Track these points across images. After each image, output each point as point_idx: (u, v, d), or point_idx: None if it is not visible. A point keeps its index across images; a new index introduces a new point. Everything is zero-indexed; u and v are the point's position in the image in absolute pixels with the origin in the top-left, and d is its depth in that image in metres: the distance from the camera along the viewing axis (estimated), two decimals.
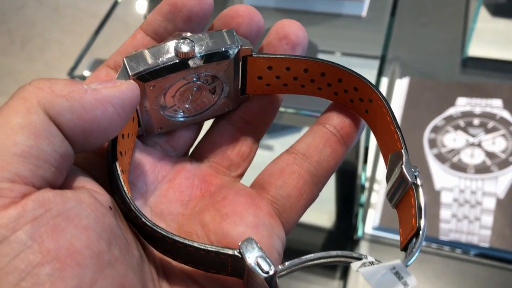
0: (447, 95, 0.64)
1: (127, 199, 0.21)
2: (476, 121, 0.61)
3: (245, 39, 0.25)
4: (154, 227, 0.20)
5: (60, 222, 0.17)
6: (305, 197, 0.25)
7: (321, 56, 0.68)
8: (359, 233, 0.56)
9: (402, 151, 0.22)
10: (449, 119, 0.62)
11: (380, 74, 0.47)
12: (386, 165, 0.24)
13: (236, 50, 0.24)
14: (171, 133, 0.27)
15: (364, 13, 0.74)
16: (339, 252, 0.20)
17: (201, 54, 0.23)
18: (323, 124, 0.26)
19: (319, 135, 0.26)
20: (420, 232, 0.21)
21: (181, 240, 0.20)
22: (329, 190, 0.59)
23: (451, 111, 0.63)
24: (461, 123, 0.61)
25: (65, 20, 1.66)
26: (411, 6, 0.75)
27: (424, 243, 0.55)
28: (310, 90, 0.26)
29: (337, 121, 0.26)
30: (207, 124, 0.29)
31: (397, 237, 0.57)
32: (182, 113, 0.26)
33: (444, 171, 0.58)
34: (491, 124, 0.60)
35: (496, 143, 0.59)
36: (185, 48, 0.23)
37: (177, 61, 0.23)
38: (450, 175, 0.57)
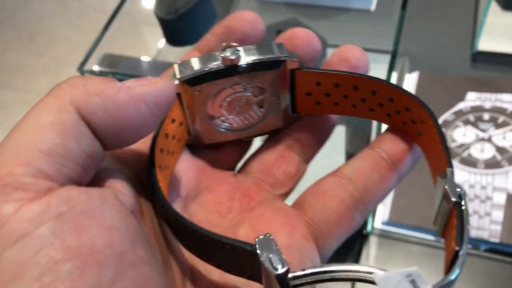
0: (457, 90, 0.64)
1: (159, 193, 0.21)
2: (486, 116, 0.61)
3: (294, 53, 0.25)
4: (176, 215, 0.20)
5: (84, 220, 0.17)
6: (345, 224, 0.24)
7: (330, 51, 0.68)
8: (369, 227, 0.56)
9: (447, 169, 0.21)
10: (459, 113, 0.62)
11: (391, 69, 0.47)
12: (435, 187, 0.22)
13: (282, 61, 0.24)
14: (220, 146, 0.27)
15: (372, 7, 0.74)
16: (366, 268, 0.19)
17: (247, 62, 0.23)
18: (373, 148, 0.25)
19: (368, 159, 0.25)
20: (459, 256, 0.18)
21: (199, 229, 0.20)
22: None
23: (460, 105, 0.62)
24: (471, 118, 0.61)
25: (71, 14, 1.66)
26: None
27: (433, 238, 0.55)
28: (363, 112, 0.25)
29: (389, 145, 0.25)
30: (257, 142, 0.29)
31: (406, 232, 0.57)
32: (229, 125, 0.26)
33: (454, 166, 0.58)
34: (501, 119, 0.60)
35: (506, 138, 0.58)
36: (231, 55, 0.23)
37: (223, 67, 0.23)
38: (460, 170, 0.57)
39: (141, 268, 0.18)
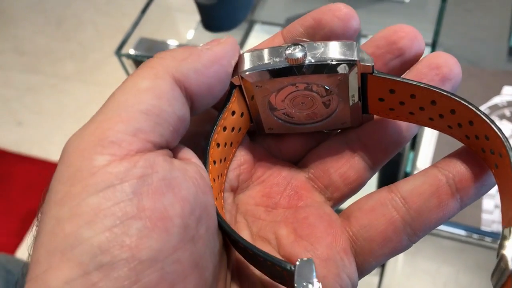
0: (493, 84, 0.62)
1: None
2: None
3: (368, 55, 0.22)
4: (222, 223, 0.21)
5: (162, 187, 0.18)
6: (390, 246, 0.22)
7: (363, 40, 0.67)
8: None
9: (511, 229, 0.18)
10: (494, 108, 0.60)
11: None
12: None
13: (350, 65, 0.22)
14: (282, 137, 0.26)
15: None
16: None
17: (311, 63, 0.22)
18: (439, 168, 0.22)
19: (429, 180, 0.22)
20: None
21: (243, 241, 0.20)
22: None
23: (496, 100, 0.61)
24: (507, 112, 0.60)
25: (99, 0, 1.67)
26: None
27: (465, 233, 0.54)
28: (440, 126, 0.23)
29: (457, 169, 0.22)
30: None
31: (434, 231, 0.57)
32: (292, 118, 0.25)
33: None
34: None
35: None
36: (295, 55, 0.22)
37: (285, 66, 0.22)
38: None
39: (198, 245, 0.19)
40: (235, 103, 0.23)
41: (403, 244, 0.22)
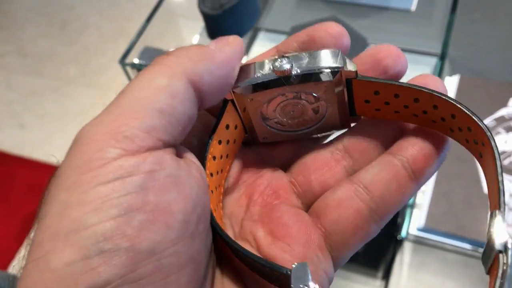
0: (499, 95, 0.62)
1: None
2: None
3: (351, 61, 0.23)
4: (220, 232, 0.22)
5: (168, 183, 0.19)
6: (360, 234, 0.24)
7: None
8: (403, 233, 0.55)
9: (496, 212, 0.20)
10: (501, 120, 0.60)
11: (440, 73, 0.46)
12: None
13: (334, 72, 0.23)
14: (275, 144, 0.27)
15: (413, 7, 0.72)
16: None
17: (298, 73, 0.23)
18: (394, 155, 0.24)
19: (387, 167, 0.24)
20: None
21: (242, 250, 0.21)
22: None
23: (503, 112, 0.60)
24: None
25: (102, 4, 1.67)
26: (462, 0, 0.73)
27: (470, 247, 0.53)
28: (424, 122, 0.24)
29: (411, 152, 0.24)
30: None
31: (442, 239, 0.56)
32: (284, 126, 0.26)
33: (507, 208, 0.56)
34: None
35: None
36: (282, 66, 0.23)
37: (274, 78, 0.23)
38: None
39: (196, 241, 0.20)
40: (229, 117, 0.24)
41: (372, 230, 0.24)
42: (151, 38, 0.55)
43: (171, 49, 0.50)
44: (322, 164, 0.26)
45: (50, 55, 1.55)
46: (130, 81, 0.21)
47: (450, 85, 0.65)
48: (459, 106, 0.22)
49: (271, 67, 0.23)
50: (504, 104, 0.61)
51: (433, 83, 0.23)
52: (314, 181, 0.26)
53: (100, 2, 1.68)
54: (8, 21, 1.68)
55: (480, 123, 0.22)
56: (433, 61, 0.67)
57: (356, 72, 0.23)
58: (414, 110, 0.24)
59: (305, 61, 0.23)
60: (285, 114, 0.25)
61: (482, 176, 0.56)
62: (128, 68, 0.49)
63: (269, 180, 0.26)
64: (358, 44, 0.60)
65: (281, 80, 0.23)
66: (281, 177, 0.26)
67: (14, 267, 0.20)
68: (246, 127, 0.26)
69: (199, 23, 0.57)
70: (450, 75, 0.66)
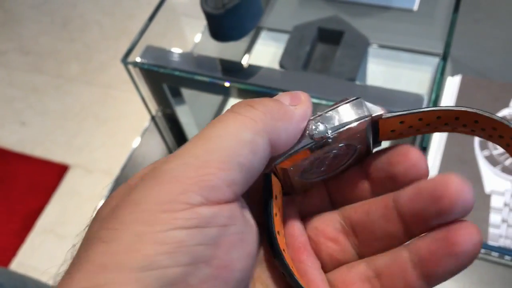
0: (501, 96, 0.62)
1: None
2: None
3: (374, 106, 0.24)
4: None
5: (236, 240, 0.20)
6: None
7: (370, 49, 0.67)
8: None
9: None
10: None
11: (442, 73, 0.46)
12: None
13: (366, 122, 0.24)
14: (307, 191, 0.27)
15: (415, 6, 0.72)
16: None
17: (334, 134, 0.24)
18: (408, 249, 0.22)
19: (397, 261, 0.22)
20: None
21: None
22: None
23: (504, 112, 0.60)
24: None
25: (104, 2, 1.67)
26: (465, 0, 0.73)
27: None
28: (441, 129, 0.26)
29: (422, 252, 0.21)
30: None
31: None
32: (319, 174, 0.27)
33: (495, 174, 0.56)
34: None
35: None
36: (319, 132, 0.24)
37: (312, 143, 0.24)
38: (502, 179, 0.56)
39: None
40: (275, 189, 0.25)
41: None
42: (153, 36, 0.55)
43: (174, 47, 0.49)
44: (333, 230, 0.25)
45: (52, 53, 1.55)
46: (215, 122, 0.21)
47: (452, 85, 0.65)
48: (480, 113, 0.23)
49: (307, 134, 0.24)
50: (506, 104, 0.61)
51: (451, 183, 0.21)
52: (323, 251, 0.25)
53: (102, 0, 1.68)
54: (10, 19, 1.68)
55: (505, 122, 0.23)
56: (435, 61, 0.67)
57: (382, 114, 0.24)
58: (436, 125, 0.25)
59: (336, 119, 0.24)
60: (322, 165, 0.26)
61: (483, 175, 0.56)
62: (130, 67, 0.49)
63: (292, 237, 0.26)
64: (359, 44, 0.60)
65: (320, 144, 0.24)
66: (300, 234, 0.26)
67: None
68: (285, 186, 0.26)
69: (202, 22, 0.57)
70: (452, 75, 0.66)
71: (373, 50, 0.70)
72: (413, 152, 0.24)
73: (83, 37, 1.60)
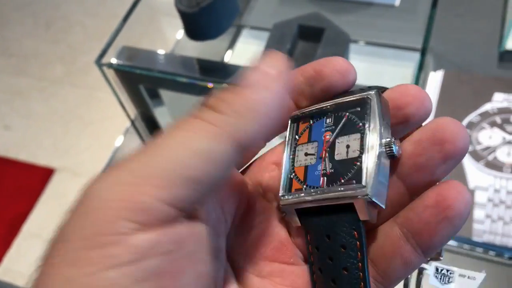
0: (483, 90, 0.62)
1: None
2: None
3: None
4: None
5: (184, 264, 0.17)
6: None
7: (352, 45, 0.66)
8: None
9: None
10: (485, 115, 0.60)
11: (421, 68, 0.45)
12: None
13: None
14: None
15: (397, 2, 0.72)
16: None
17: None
18: (398, 223, 0.21)
19: (388, 240, 0.21)
20: None
21: None
22: None
23: (487, 107, 0.60)
24: (498, 119, 0.59)
25: (88, 2, 1.65)
26: None
27: (455, 244, 0.53)
28: None
29: (415, 223, 0.20)
30: None
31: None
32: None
33: (478, 170, 0.56)
34: None
35: None
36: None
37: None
38: (485, 174, 0.55)
39: None
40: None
41: None
42: (132, 37, 0.54)
43: (151, 49, 0.48)
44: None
45: (36, 55, 1.53)
46: (169, 128, 0.19)
47: (435, 80, 0.64)
48: None
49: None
50: (488, 99, 0.61)
51: (450, 135, 0.20)
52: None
53: (86, 1, 1.66)
54: None
55: None
56: (417, 56, 0.67)
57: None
58: None
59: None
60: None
61: (467, 171, 0.56)
62: (105, 68, 0.48)
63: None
64: (340, 41, 0.59)
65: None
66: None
67: None
68: None
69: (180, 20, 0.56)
70: (435, 70, 0.65)
71: (354, 46, 0.69)
72: (416, 90, 0.22)
73: (67, 39, 1.58)
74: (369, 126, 0.22)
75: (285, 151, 0.24)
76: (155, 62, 0.48)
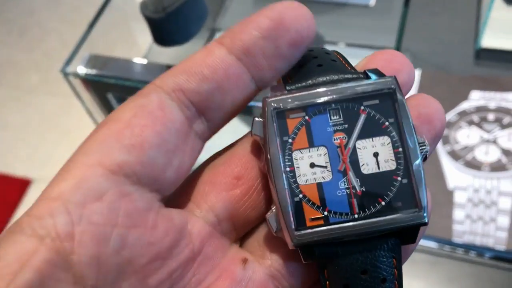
0: (460, 89, 0.61)
1: None
2: (491, 116, 0.58)
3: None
4: None
5: None
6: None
7: (328, 46, 0.65)
8: None
9: None
10: (463, 114, 0.59)
11: None
12: None
13: None
14: None
15: (372, 2, 0.71)
16: None
17: None
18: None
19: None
20: None
21: None
22: None
23: (464, 105, 0.60)
24: (475, 118, 0.58)
25: (63, 8, 1.62)
26: None
27: (436, 245, 0.52)
28: None
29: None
30: None
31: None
32: None
33: (457, 169, 0.55)
34: (506, 119, 0.58)
35: None
36: None
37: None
38: (464, 174, 0.55)
39: None
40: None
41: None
42: (98, 44, 0.52)
43: (119, 56, 0.47)
44: None
45: (10, 63, 1.49)
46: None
47: None
48: None
49: None
50: (465, 97, 0.61)
51: (436, 113, 0.20)
52: None
53: (60, 7, 1.63)
54: None
55: None
56: None
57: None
58: None
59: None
60: None
61: (445, 171, 0.55)
62: (71, 78, 0.46)
63: None
64: (314, 42, 0.58)
65: None
66: None
67: None
68: None
69: None
70: None
71: (329, 48, 0.68)
72: (402, 56, 0.21)
73: (42, 46, 1.55)
74: (398, 126, 0.18)
75: (272, 160, 0.18)
76: (122, 70, 0.47)
